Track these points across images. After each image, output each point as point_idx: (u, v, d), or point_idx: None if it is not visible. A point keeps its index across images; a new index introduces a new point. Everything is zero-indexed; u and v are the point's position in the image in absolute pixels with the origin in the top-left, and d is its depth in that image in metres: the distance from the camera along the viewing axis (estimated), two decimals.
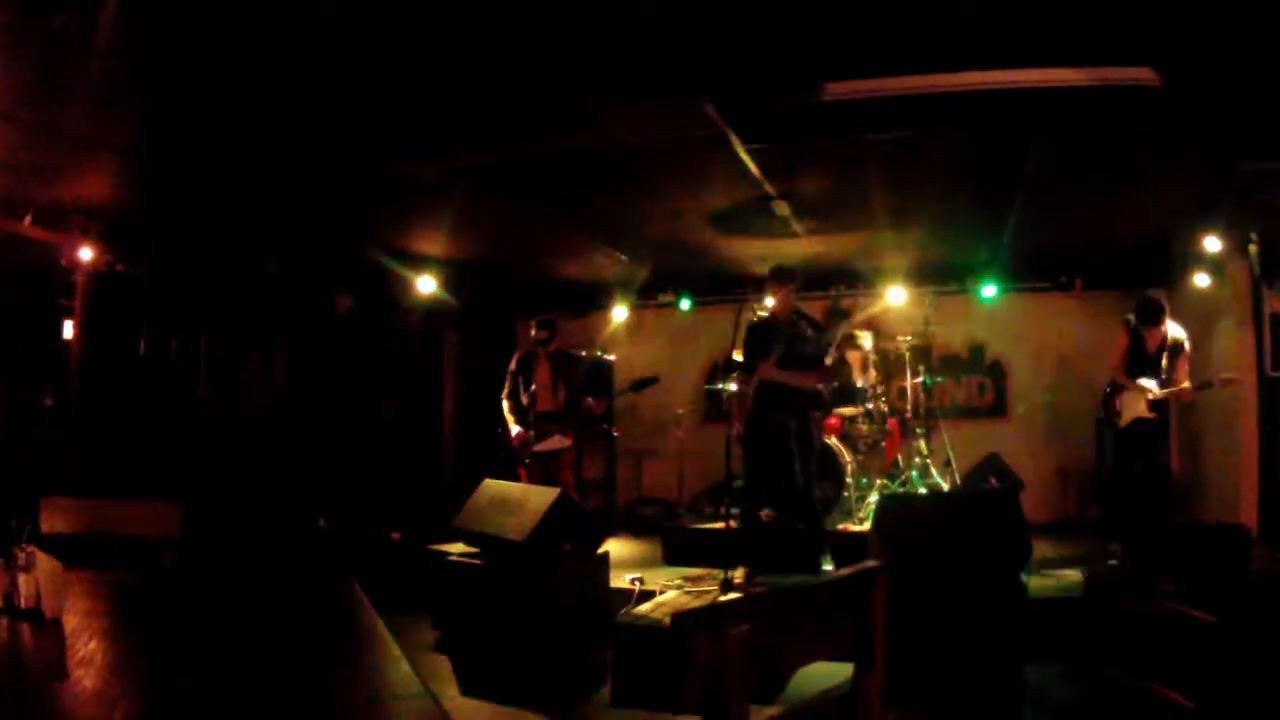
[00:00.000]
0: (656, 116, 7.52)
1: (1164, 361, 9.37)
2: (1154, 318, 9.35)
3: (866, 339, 11.56)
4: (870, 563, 2.59)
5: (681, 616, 1.85)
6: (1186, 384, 9.26)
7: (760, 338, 8.93)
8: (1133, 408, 9.43)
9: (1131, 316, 9.63)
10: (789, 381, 8.55)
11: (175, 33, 5.98)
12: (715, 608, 1.93)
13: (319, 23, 5.95)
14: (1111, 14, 6.39)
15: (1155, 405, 9.35)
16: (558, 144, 8.12)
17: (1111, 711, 5.39)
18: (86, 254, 9.75)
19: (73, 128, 7.39)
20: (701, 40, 6.56)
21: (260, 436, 11.60)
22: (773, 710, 2.30)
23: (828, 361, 9.20)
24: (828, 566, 8.61)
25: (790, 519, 8.83)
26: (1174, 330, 9.48)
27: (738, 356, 9.24)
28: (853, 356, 11.33)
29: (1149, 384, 9.33)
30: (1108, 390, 9.85)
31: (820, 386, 8.89)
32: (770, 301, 8.96)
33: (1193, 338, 9.70)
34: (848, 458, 10.57)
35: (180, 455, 10.65)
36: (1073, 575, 8.57)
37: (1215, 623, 3.58)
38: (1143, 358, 9.47)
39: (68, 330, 10.37)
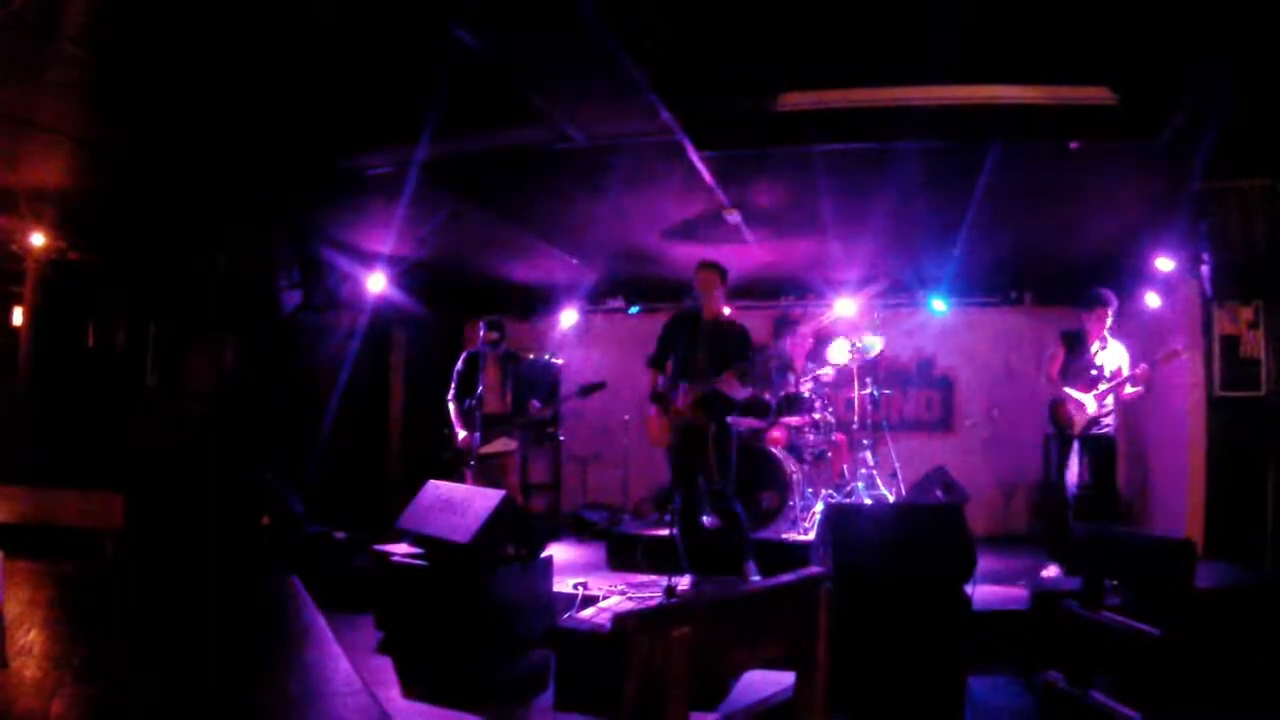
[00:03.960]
0: (609, 118, 7.49)
1: (1106, 368, 9.54)
2: (1100, 301, 9.62)
3: (807, 335, 11.68)
4: (813, 569, 2.55)
5: (622, 618, 1.81)
6: (1139, 370, 9.40)
7: (678, 331, 8.83)
8: (1084, 413, 9.52)
9: (1066, 330, 9.92)
10: (724, 391, 8.42)
11: (135, 17, 5.92)
12: (657, 610, 1.89)
13: (275, 13, 5.92)
14: (1069, 34, 6.43)
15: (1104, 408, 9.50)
16: (509, 140, 8.08)
17: None
18: (38, 240, 9.63)
19: (29, 113, 7.30)
20: (657, 45, 6.54)
21: (205, 430, 11.49)
22: (714, 717, 2.26)
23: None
24: (754, 574, 8.54)
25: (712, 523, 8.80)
26: (1115, 346, 9.70)
27: None
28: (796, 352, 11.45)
29: (1086, 399, 9.46)
30: (1053, 402, 9.91)
31: (730, 391, 8.65)
32: (697, 292, 8.77)
33: (1143, 356, 9.80)
34: (793, 467, 10.54)
35: (126, 446, 10.54)
36: (1018, 588, 8.59)
37: (1160, 635, 3.58)
38: (1083, 366, 9.59)
39: (17, 317, 10.24)
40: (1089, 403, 9.47)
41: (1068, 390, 9.65)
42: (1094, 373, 9.55)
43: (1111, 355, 9.64)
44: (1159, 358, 9.39)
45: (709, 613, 2.01)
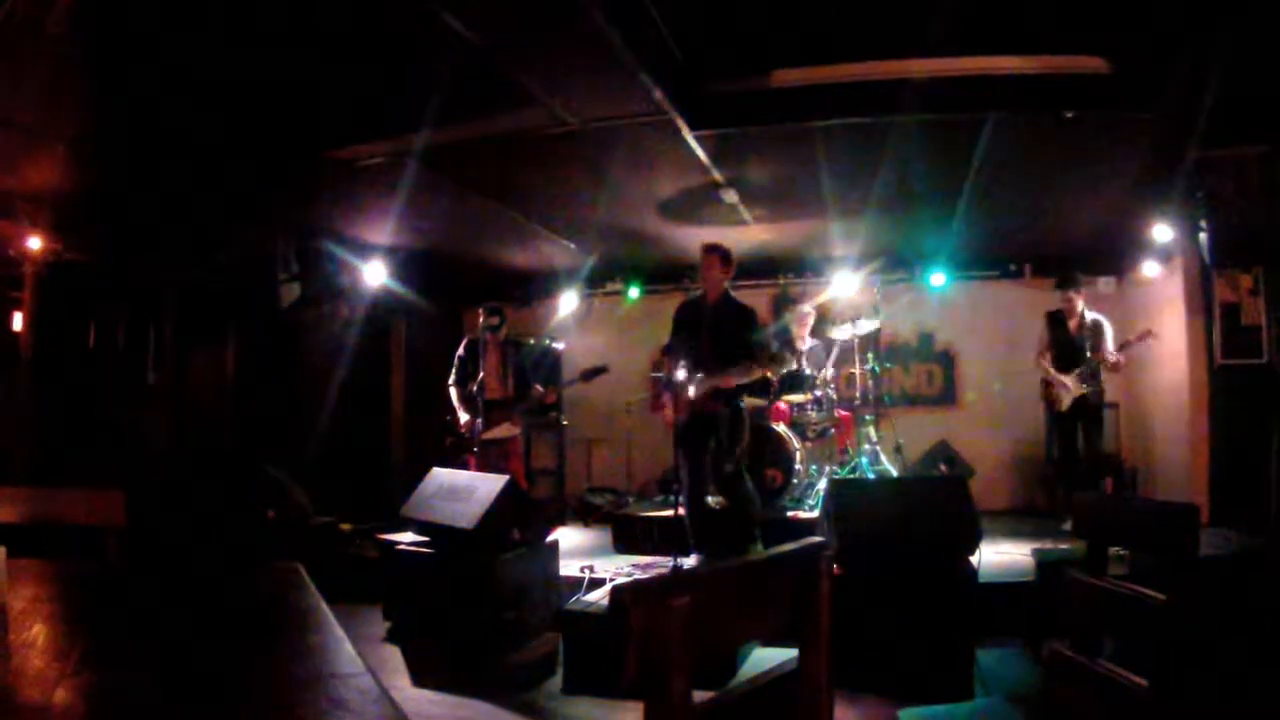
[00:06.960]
0: (602, 101, 7.46)
1: (1088, 343, 10.05)
2: (1071, 283, 10.25)
3: (809, 312, 11.64)
4: (814, 539, 2.54)
5: (620, 589, 1.79)
6: (1112, 352, 9.92)
7: (685, 318, 8.72)
8: (1068, 393, 10.02)
9: (1050, 310, 10.50)
10: (719, 384, 8.31)
11: (125, 16, 5.90)
12: (654, 581, 1.87)
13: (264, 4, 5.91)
14: (1063, 3, 6.42)
15: (1089, 380, 10.01)
16: (502, 125, 8.04)
17: (1063, 691, 5.41)
18: (35, 243, 9.63)
19: (21, 116, 7.28)
20: (649, 23, 6.52)
21: (208, 425, 11.50)
22: (714, 693, 2.25)
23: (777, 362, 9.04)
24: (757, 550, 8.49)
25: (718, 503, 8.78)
26: (1091, 315, 10.24)
27: None
28: (799, 329, 11.42)
29: (1069, 380, 10.03)
30: (1042, 383, 10.44)
31: (741, 381, 8.58)
32: (702, 276, 8.65)
33: (1143, 326, 9.93)
34: (796, 445, 10.51)
35: (128, 444, 10.55)
36: (1024, 559, 8.59)
37: (1166, 601, 3.58)
38: (1067, 343, 10.11)
39: (17, 322, 10.24)
40: (1071, 384, 9.98)
41: (1053, 373, 10.20)
42: (1074, 349, 9.80)
43: (1093, 330, 10.10)
44: (1133, 339, 9.74)
45: (708, 583, 1.99)
